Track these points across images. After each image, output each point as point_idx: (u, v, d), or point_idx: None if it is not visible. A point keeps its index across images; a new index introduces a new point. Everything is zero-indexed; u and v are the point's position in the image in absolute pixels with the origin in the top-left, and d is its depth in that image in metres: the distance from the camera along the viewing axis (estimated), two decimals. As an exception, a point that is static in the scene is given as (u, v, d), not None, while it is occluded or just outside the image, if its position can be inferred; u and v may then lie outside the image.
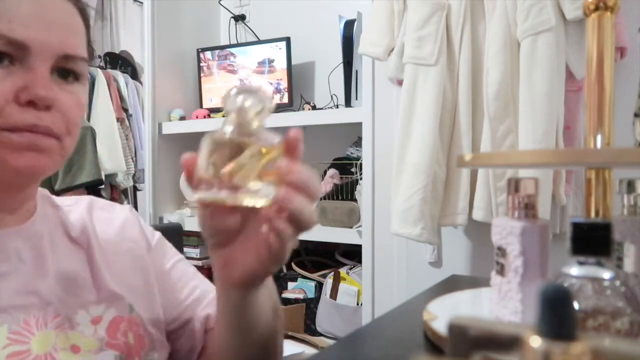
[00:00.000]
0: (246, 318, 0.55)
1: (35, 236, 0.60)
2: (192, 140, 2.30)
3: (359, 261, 1.78)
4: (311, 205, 0.45)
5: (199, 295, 0.70)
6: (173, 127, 2.22)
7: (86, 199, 0.70)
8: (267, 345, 0.60)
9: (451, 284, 0.76)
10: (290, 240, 0.45)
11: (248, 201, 0.43)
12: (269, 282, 0.58)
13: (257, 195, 0.43)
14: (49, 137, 0.54)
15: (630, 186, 0.52)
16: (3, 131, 0.51)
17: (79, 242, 0.64)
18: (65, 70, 0.56)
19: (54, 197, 0.67)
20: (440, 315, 0.55)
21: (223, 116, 0.42)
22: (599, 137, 0.51)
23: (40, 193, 0.64)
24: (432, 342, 0.52)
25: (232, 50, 2.22)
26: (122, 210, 0.72)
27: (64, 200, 0.68)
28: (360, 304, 1.78)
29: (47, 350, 0.55)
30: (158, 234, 0.74)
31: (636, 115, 1.28)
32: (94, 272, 0.63)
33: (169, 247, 0.74)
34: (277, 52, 2.10)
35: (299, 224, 0.44)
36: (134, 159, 2.80)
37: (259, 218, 0.47)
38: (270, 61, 2.11)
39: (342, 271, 1.86)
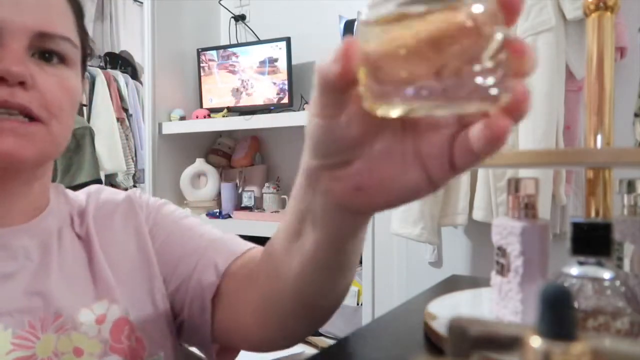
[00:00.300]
0: (347, 251, 0.45)
1: (44, 232, 0.59)
2: (192, 140, 2.31)
3: (359, 261, 1.78)
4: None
5: (204, 243, 0.63)
6: (173, 127, 2.22)
7: (95, 188, 0.68)
8: (348, 285, 0.51)
9: (451, 284, 0.76)
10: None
11: (477, 106, 0.28)
12: None
13: (488, 94, 0.27)
14: (28, 121, 0.52)
15: (630, 186, 0.52)
16: None
17: (80, 235, 0.62)
18: (45, 51, 0.54)
19: (68, 191, 0.65)
20: (440, 315, 0.55)
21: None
22: (599, 137, 0.51)
23: (54, 188, 0.63)
24: (432, 342, 0.52)
25: (232, 50, 2.22)
26: (123, 194, 0.69)
27: (78, 194, 0.66)
28: (360, 304, 1.78)
29: (48, 355, 0.53)
30: (161, 200, 0.70)
31: (636, 115, 1.28)
32: (94, 265, 0.61)
33: (169, 212, 0.68)
34: (277, 52, 2.10)
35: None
36: (134, 159, 2.81)
37: (471, 119, 0.31)
38: (274, 60, 2.11)
39: (342, 271, 1.86)
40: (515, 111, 0.29)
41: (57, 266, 0.58)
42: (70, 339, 0.55)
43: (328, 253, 0.45)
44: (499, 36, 0.27)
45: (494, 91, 0.27)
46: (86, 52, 0.62)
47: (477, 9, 0.27)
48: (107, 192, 0.69)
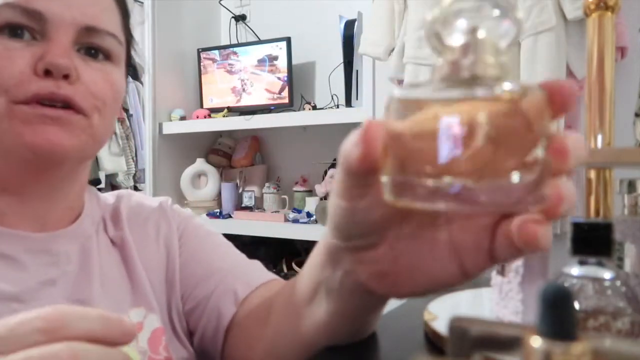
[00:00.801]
0: (370, 320, 0.46)
1: (83, 237, 0.58)
2: (192, 140, 2.31)
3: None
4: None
5: (226, 267, 0.63)
6: (173, 127, 2.22)
7: (124, 193, 0.67)
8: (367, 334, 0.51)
9: (451, 284, 0.76)
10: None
11: (510, 210, 0.26)
12: None
13: (524, 201, 0.24)
14: (70, 110, 0.51)
15: (631, 186, 0.52)
16: (18, 104, 0.49)
17: (115, 240, 0.61)
18: (91, 47, 0.54)
19: (99, 193, 0.65)
20: (441, 315, 0.55)
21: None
22: (599, 137, 0.51)
23: (88, 190, 0.62)
24: (432, 342, 0.51)
25: (233, 50, 2.22)
26: (155, 202, 0.68)
27: (107, 197, 0.66)
28: (360, 304, 1.78)
29: None
30: (189, 213, 0.70)
31: (637, 115, 1.28)
32: (130, 271, 0.60)
33: (196, 227, 0.68)
34: (277, 52, 2.10)
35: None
36: (135, 159, 2.80)
37: (505, 223, 0.29)
38: (273, 58, 2.11)
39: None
40: (551, 215, 0.27)
41: (97, 272, 0.57)
42: None
43: (342, 323, 0.44)
44: (547, 134, 0.24)
45: (530, 199, 0.24)
46: (130, 52, 0.62)
47: (529, 101, 0.23)
48: (137, 197, 0.68)
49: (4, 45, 0.50)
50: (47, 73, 0.50)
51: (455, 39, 0.25)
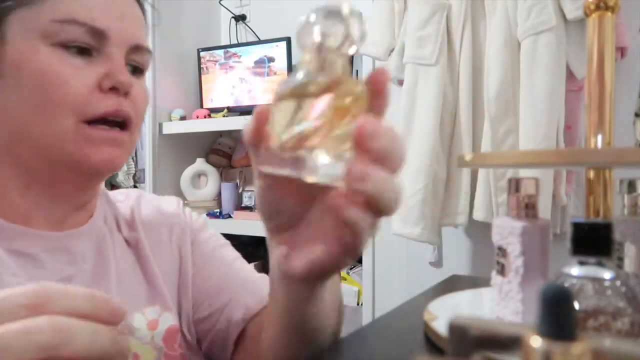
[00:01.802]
0: (307, 317, 0.45)
1: (98, 235, 0.59)
2: (192, 140, 2.31)
3: (359, 261, 1.78)
4: (394, 181, 0.32)
5: (240, 282, 0.64)
6: (173, 127, 2.22)
7: (135, 193, 0.69)
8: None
9: (451, 284, 0.76)
10: (367, 230, 0.33)
11: (316, 178, 0.31)
12: (336, 277, 0.48)
13: (329, 171, 0.31)
14: (123, 131, 0.54)
15: (631, 186, 0.52)
16: (85, 124, 0.51)
17: (129, 240, 0.62)
18: (137, 64, 0.57)
19: (107, 191, 0.66)
20: (441, 315, 0.55)
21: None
22: (599, 137, 0.51)
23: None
24: (432, 342, 0.51)
25: (233, 50, 2.22)
26: (169, 205, 0.69)
27: (116, 195, 0.67)
28: (360, 304, 1.78)
29: None
30: (201, 221, 0.71)
31: (637, 115, 1.28)
32: (145, 271, 0.61)
33: (208, 237, 0.69)
34: (275, 53, 2.10)
35: (379, 209, 0.32)
36: (134, 159, 2.80)
37: (328, 199, 0.34)
38: (270, 60, 2.11)
39: (342, 271, 1.86)
40: (354, 193, 0.31)
41: (113, 270, 0.58)
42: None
43: (287, 315, 0.46)
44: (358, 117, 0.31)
45: (332, 169, 0.31)
46: None
47: (343, 90, 0.31)
48: (149, 198, 0.69)
49: (70, 62, 0.51)
50: (113, 89, 0.53)
51: (309, 44, 0.34)
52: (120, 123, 0.54)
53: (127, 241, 0.62)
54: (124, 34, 0.54)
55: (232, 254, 0.69)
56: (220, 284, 0.64)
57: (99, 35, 0.52)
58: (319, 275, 0.38)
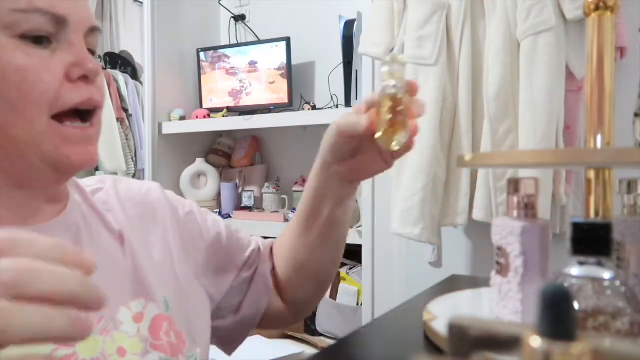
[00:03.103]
0: (344, 210, 0.69)
1: (73, 227, 0.57)
2: (192, 140, 2.31)
3: (359, 261, 1.78)
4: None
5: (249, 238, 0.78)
6: (173, 127, 2.22)
7: (110, 179, 0.67)
8: (340, 248, 0.75)
9: (451, 284, 0.76)
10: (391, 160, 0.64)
11: (396, 145, 0.57)
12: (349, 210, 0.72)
13: (401, 140, 0.57)
14: (87, 119, 0.53)
15: (630, 186, 0.52)
16: (56, 121, 0.50)
17: (113, 229, 0.61)
18: (90, 46, 0.55)
19: (76, 179, 0.64)
20: (440, 315, 0.55)
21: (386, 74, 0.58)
22: (599, 137, 0.51)
23: None
24: (432, 342, 0.51)
25: (232, 50, 2.22)
26: (148, 186, 0.69)
27: (86, 182, 0.65)
28: (360, 304, 1.78)
29: (94, 356, 0.52)
30: (189, 204, 0.72)
31: (636, 115, 1.28)
32: (130, 263, 0.59)
33: (205, 214, 0.74)
34: (277, 52, 2.09)
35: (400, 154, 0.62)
36: (134, 159, 2.80)
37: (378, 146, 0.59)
38: (269, 60, 2.11)
39: (342, 271, 1.86)
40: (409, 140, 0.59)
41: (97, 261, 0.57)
42: (113, 339, 0.54)
43: (334, 218, 0.69)
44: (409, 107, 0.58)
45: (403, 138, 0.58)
46: None
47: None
48: (126, 182, 0.68)
49: (36, 54, 0.49)
50: (84, 78, 0.51)
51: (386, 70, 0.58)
52: (88, 111, 0.53)
53: (109, 231, 0.61)
54: (80, 18, 0.52)
55: (224, 222, 0.77)
56: (232, 254, 0.74)
57: (60, 22, 0.50)
58: (371, 176, 0.68)
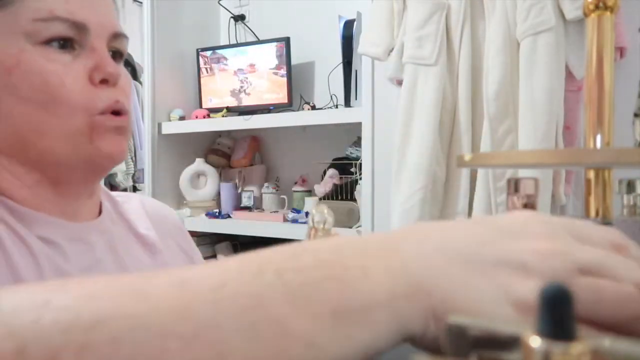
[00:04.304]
0: None
1: (108, 233, 0.59)
2: (191, 140, 2.31)
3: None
4: None
5: None
6: (173, 127, 2.22)
7: (136, 197, 0.69)
8: None
9: (451, 284, 0.76)
10: None
11: None
12: None
13: None
14: (124, 116, 0.55)
15: (630, 186, 0.52)
16: (92, 116, 0.52)
17: (146, 242, 0.63)
18: (118, 51, 0.57)
19: (107, 190, 0.66)
20: (440, 315, 0.54)
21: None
22: (598, 137, 0.51)
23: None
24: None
25: (232, 50, 2.22)
26: (171, 213, 0.72)
27: (119, 197, 0.67)
28: (359, 304, 1.78)
29: None
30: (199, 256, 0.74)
31: (636, 115, 1.28)
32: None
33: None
34: (276, 52, 2.09)
35: None
36: (134, 159, 2.80)
37: None
38: (269, 60, 2.11)
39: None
40: None
41: (129, 265, 0.58)
42: None
43: None
44: None
45: None
46: None
47: None
48: (151, 202, 0.71)
49: (58, 59, 0.51)
50: (104, 82, 0.53)
51: None
52: (117, 112, 0.55)
53: (140, 242, 0.63)
54: (102, 24, 0.54)
55: None
56: None
57: (80, 28, 0.52)
58: None
